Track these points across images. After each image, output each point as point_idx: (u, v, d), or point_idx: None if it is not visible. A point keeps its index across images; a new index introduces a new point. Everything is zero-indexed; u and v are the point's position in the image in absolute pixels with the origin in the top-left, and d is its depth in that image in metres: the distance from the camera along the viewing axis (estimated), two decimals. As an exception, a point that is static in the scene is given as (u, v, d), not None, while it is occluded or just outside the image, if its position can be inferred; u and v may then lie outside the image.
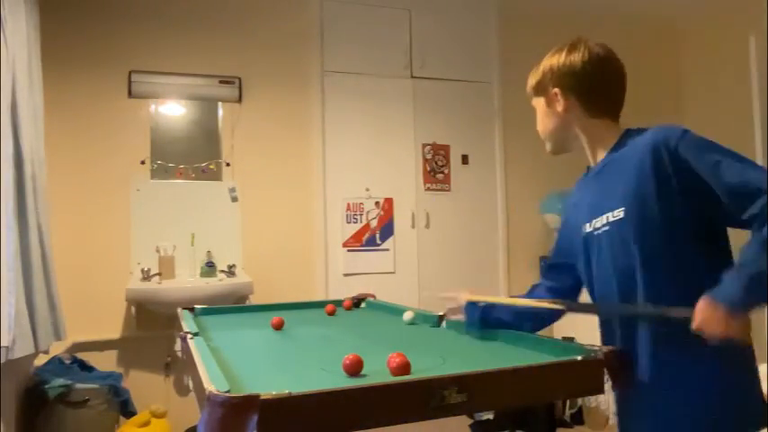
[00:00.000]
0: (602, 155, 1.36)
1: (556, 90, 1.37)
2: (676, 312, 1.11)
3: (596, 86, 1.34)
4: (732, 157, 1.16)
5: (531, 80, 1.45)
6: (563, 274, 1.48)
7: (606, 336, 1.35)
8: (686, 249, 1.20)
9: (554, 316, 1.46)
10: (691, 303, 1.11)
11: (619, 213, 1.26)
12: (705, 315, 1.08)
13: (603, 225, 1.30)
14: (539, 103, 1.43)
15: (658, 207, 1.19)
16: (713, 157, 1.16)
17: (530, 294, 1.53)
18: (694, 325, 1.08)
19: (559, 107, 1.37)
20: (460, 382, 1.03)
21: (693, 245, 1.20)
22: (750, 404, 1.19)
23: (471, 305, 1.57)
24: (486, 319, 1.53)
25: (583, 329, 3.21)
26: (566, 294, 1.46)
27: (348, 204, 3.69)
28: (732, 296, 1.07)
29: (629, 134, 1.33)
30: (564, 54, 1.36)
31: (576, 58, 1.34)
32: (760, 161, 3.80)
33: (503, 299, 1.51)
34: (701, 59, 4.38)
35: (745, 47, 3.91)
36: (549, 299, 1.40)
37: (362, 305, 2.45)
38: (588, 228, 1.34)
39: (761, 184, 1.11)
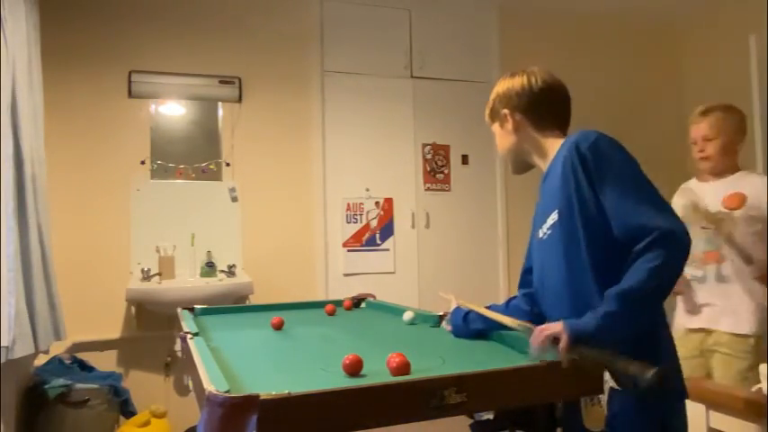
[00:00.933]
0: (546, 161, 1.49)
1: (505, 111, 1.51)
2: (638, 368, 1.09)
3: (539, 103, 1.48)
4: (630, 188, 1.27)
5: (486, 111, 1.60)
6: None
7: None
8: (603, 249, 1.28)
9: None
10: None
11: (554, 216, 1.38)
12: (549, 329, 1.21)
13: (548, 229, 1.41)
14: (495, 128, 1.58)
15: (578, 208, 1.31)
16: (613, 184, 1.28)
17: (507, 304, 1.60)
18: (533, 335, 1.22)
19: (510, 126, 1.51)
20: (460, 382, 1.03)
21: (610, 245, 1.27)
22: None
23: (457, 311, 1.64)
24: (466, 328, 1.59)
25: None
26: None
27: (348, 204, 3.69)
28: (581, 331, 1.18)
29: (565, 141, 1.43)
30: (507, 80, 1.53)
31: (518, 81, 1.50)
32: (760, 161, 3.81)
33: (487, 312, 1.55)
34: (701, 59, 4.38)
35: (745, 47, 3.91)
36: (525, 317, 1.46)
37: (362, 305, 2.45)
38: (540, 234, 1.45)
39: (650, 222, 1.21)
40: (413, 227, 3.81)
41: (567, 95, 1.52)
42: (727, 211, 2.26)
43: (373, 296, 2.58)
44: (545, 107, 1.49)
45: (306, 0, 3.68)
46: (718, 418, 1.67)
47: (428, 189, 3.86)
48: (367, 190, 3.73)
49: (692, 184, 2.49)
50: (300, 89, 3.65)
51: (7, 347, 2.16)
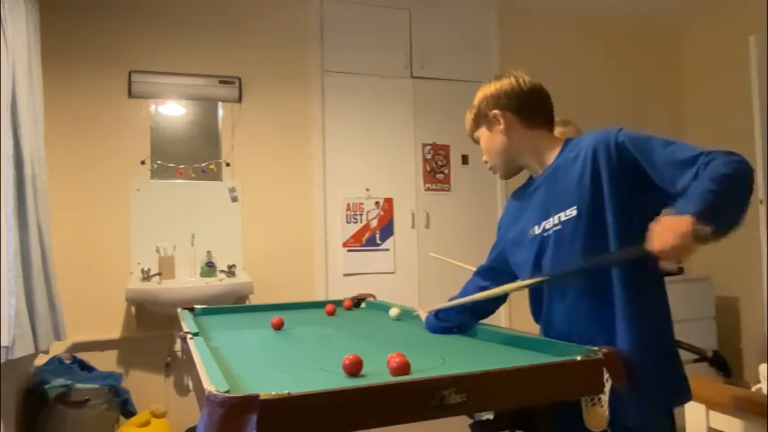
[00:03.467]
0: (547, 163, 1.48)
1: (495, 112, 1.49)
2: (633, 250, 1.17)
3: (528, 101, 1.48)
4: (665, 141, 1.29)
5: (469, 117, 1.58)
6: (498, 277, 1.62)
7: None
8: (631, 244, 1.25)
9: (495, 305, 1.65)
10: (636, 298, 1.29)
11: (571, 212, 1.36)
12: (665, 225, 1.12)
13: (555, 225, 1.40)
14: (481, 133, 1.56)
15: (611, 203, 1.30)
16: (649, 141, 1.30)
17: (464, 292, 1.69)
18: (652, 242, 1.13)
19: (501, 126, 1.50)
20: (460, 382, 1.03)
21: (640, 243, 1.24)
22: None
23: (428, 318, 1.75)
24: (439, 324, 1.69)
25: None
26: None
27: (348, 204, 3.69)
28: (689, 209, 1.12)
29: (570, 141, 1.47)
30: (493, 83, 1.53)
31: (505, 82, 1.50)
32: (760, 161, 3.81)
33: (457, 301, 1.62)
34: (701, 59, 4.38)
35: (745, 47, 3.90)
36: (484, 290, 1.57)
37: (362, 305, 2.45)
38: (537, 230, 1.45)
39: (692, 154, 1.23)
40: (413, 227, 3.81)
41: (548, 95, 1.53)
42: None
43: (373, 296, 2.58)
44: (534, 106, 1.49)
45: (306, 0, 3.68)
46: (718, 418, 1.67)
47: (428, 189, 3.86)
48: (367, 190, 3.73)
49: None
50: (300, 89, 3.65)
51: (7, 347, 2.16)
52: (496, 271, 1.65)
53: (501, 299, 1.62)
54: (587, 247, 1.33)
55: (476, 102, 1.56)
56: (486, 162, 1.60)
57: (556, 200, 1.41)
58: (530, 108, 1.49)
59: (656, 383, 1.30)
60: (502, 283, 1.53)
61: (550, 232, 1.41)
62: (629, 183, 1.30)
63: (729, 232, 1.16)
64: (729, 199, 1.16)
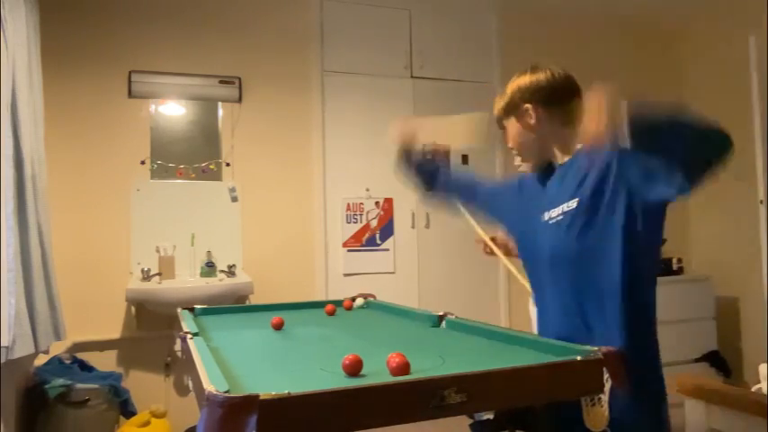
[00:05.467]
0: (566, 157, 1.50)
1: (527, 105, 1.49)
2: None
3: (562, 97, 1.47)
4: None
5: (500, 104, 1.56)
6: (472, 196, 1.84)
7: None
8: (617, 246, 1.32)
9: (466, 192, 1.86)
10: (629, 298, 1.31)
11: (572, 204, 1.40)
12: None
13: (558, 215, 1.43)
14: (510, 123, 1.55)
15: (605, 200, 1.33)
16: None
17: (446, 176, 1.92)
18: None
19: (532, 120, 1.49)
20: (460, 382, 1.03)
21: (625, 245, 1.31)
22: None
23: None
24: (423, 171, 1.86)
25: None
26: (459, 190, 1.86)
27: (348, 204, 3.69)
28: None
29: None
30: (528, 75, 1.51)
31: (541, 76, 1.49)
32: (760, 161, 3.81)
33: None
34: (701, 59, 4.38)
35: (745, 47, 3.90)
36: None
37: (363, 305, 2.45)
38: (545, 217, 1.48)
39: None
40: (413, 227, 3.81)
41: (581, 91, 1.50)
42: None
43: (373, 296, 2.58)
44: (567, 102, 1.47)
45: (306, 0, 3.68)
46: (717, 418, 1.67)
47: (428, 189, 3.85)
48: (367, 190, 3.73)
49: None
50: (300, 89, 3.65)
51: (7, 347, 2.16)
52: (476, 194, 1.82)
53: (470, 194, 1.84)
54: (579, 239, 1.37)
55: (508, 91, 1.53)
56: (511, 149, 1.60)
57: (565, 192, 1.43)
58: (564, 104, 1.47)
59: (642, 383, 1.31)
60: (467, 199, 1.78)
61: (553, 221, 1.44)
62: (626, 194, 1.32)
63: (646, 147, 1.17)
64: (672, 127, 1.15)
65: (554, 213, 1.44)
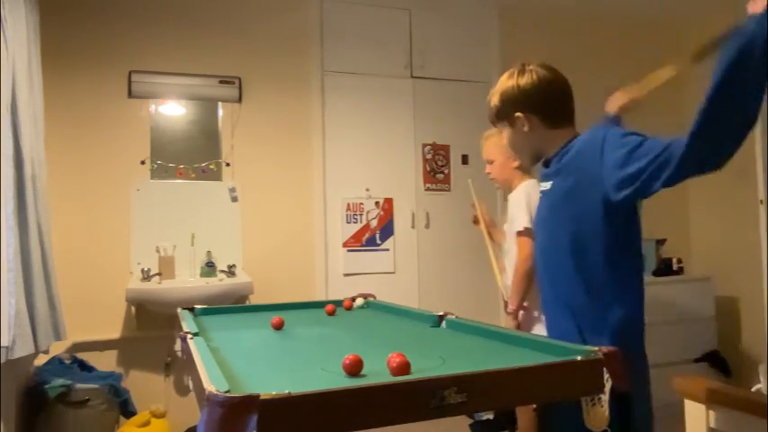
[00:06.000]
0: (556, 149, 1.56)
1: (518, 114, 1.54)
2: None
3: (550, 102, 1.53)
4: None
5: (491, 108, 1.62)
6: None
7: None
8: (598, 236, 1.41)
9: None
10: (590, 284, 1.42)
11: (547, 185, 1.55)
12: None
13: (545, 208, 1.57)
14: (503, 127, 1.61)
15: (587, 194, 1.41)
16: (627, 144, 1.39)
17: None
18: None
19: (525, 127, 1.55)
20: (460, 382, 1.03)
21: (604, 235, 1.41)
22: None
23: None
24: None
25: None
26: None
27: (348, 204, 3.69)
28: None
29: (576, 137, 1.54)
30: (512, 79, 1.55)
31: (527, 81, 1.52)
32: (760, 161, 3.81)
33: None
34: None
35: (745, 47, 3.90)
36: None
37: (363, 305, 2.45)
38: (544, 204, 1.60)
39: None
40: (413, 227, 3.81)
41: (569, 86, 1.57)
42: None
43: (373, 296, 2.58)
44: (557, 104, 1.53)
45: (306, 0, 3.68)
46: (717, 418, 1.67)
47: (428, 189, 3.86)
48: (367, 190, 3.73)
49: None
50: (300, 89, 3.65)
51: (7, 347, 2.16)
52: None
53: None
54: (555, 231, 1.50)
55: (497, 98, 1.59)
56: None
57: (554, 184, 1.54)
58: (553, 108, 1.53)
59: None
60: None
61: (542, 214, 1.58)
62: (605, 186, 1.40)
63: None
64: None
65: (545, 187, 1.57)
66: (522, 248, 2.36)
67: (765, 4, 1.10)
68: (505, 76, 1.58)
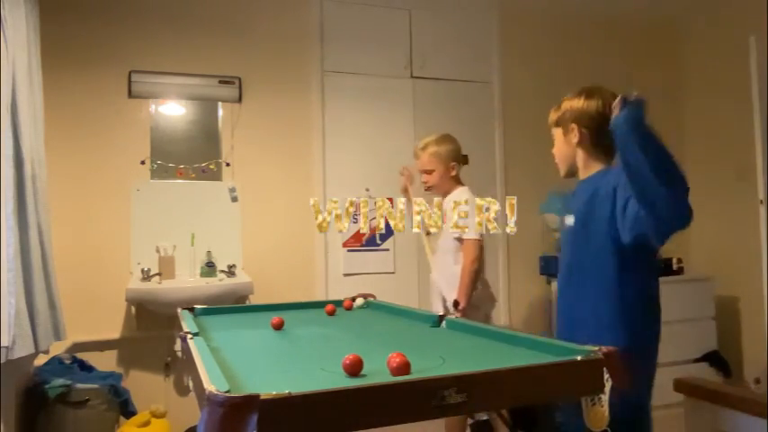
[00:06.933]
0: (586, 173, 1.78)
1: (573, 125, 1.76)
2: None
3: (604, 126, 1.61)
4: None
5: (553, 115, 1.85)
6: None
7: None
8: (613, 259, 1.60)
9: None
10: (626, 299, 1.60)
11: (571, 220, 1.74)
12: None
13: (567, 227, 1.77)
14: (557, 132, 1.83)
15: (605, 223, 1.58)
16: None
17: None
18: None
19: (574, 139, 1.76)
20: (460, 382, 1.03)
21: (618, 258, 1.59)
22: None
23: None
24: None
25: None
26: None
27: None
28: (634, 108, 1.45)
29: (606, 169, 1.74)
30: (584, 99, 1.75)
31: (593, 104, 1.73)
32: (760, 161, 3.81)
33: None
34: (701, 60, 4.38)
35: (745, 47, 3.90)
36: None
37: (363, 305, 2.45)
38: (569, 221, 1.78)
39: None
40: (413, 227, 3.80)
41: None
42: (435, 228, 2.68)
43: (373, 296, 2.58)
44: (606, 137, 1.61)
45: (306, 0, 3.68)
46: (718, 418, 1.67)
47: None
48: (367, 190, 3.73)
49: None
50: (300, 89, 3.65)
51: (7, 347, 2.16)
52: None
53: None
54: (576, 250, 1.72)
55: (562, 106, 1.81)
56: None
57: (577, 203, 1.75)
58: (603, 135, 1.65)
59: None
60: None
61: (566, 230, 1.78)
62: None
63: (625, 153, 1.40)
64: (655, 156, 1.36)
65: (569, 221, 1.77)
66: (470, 252, 2.61)
67: (620, 106, 1.44)
68: (576, 92, 1.79)
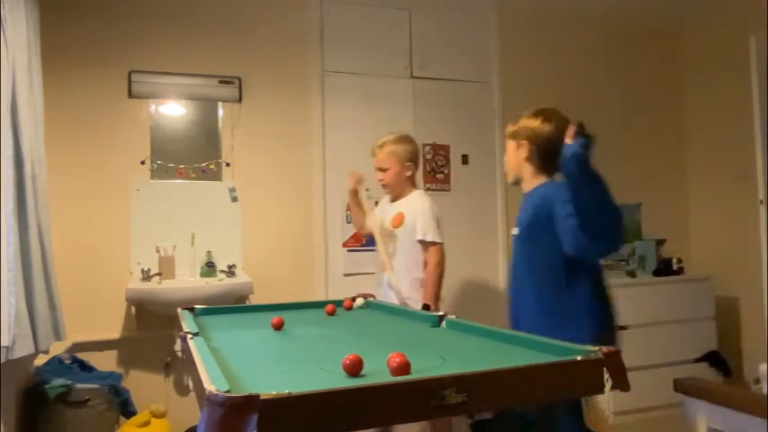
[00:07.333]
0: (530, 185, 2.03)
1: (525, 142, 2.00)
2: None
3: (552, 149, 1.87)
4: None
5: (510, 128, 2.08)
6: None
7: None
8: (555, 266, 1.85)
9: None
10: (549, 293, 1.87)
11: (516, 231, 2.00)
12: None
13: (514, 236, 2.03)
14: (511, 143, 2.07)
15: (544, 232, 1.83)
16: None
17: None
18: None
19: (524, 154, 2.01)
20: (460, 382, 1.03)
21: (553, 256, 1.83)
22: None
23: None
24: None
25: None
26: None
27: (348, 204, 3.68)
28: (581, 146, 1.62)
29: (549, 182, 1.98)
30: (539, 121, 1.98)
31: (546, 127, 1.97)
32: (760, 161, 3.81)
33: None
34: (701, 59, 4.39)
35: (745, 47, 3.91)
36: None
37: (363, 305, 2.45)
38: (514, 231, 2.03)
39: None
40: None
41: None
42: (392, 228, 2.80)
43: (373, 296, 2.58)
44: (551, 157, 1.87)
45: (306, 0, 3.68)
46: (718, 418, 1.67)
47: (428, 189, 3.85)
48: (367, 190, 3.71)
49: (385, 200, 3.00)
50: (300, 89, 3.65)
51: (7, 347, 2.16)
52: None
53: None
54: (527, 254, 1.95)
55: (520, 122, 2.04)
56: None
57: (521, 217, 2.01)
58: (550, 155, 1.90)
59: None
60: None
61: (515, 237, 2.02)
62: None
63: (574, 187, 1.62)
64: (596, 193, 1.61)
65: (515, 231, 2.02)
66: (434, 256, 2.68)
67: (573, 135, 1.60)
68: (534, 111, 2.01)
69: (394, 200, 2.88)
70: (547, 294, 1.85)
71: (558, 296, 1.83)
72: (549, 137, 1.93)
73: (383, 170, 2.84)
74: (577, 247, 1.68)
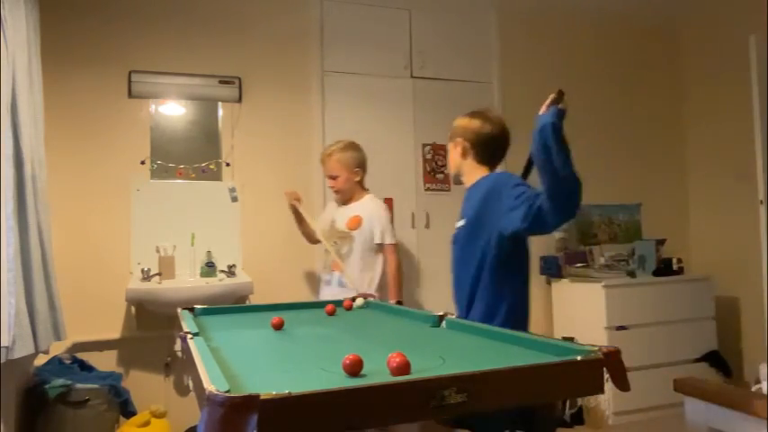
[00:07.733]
0: (470, 182, 2.10)
1: (459, 139, 2.10)
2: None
3: (483, 144, 2.06)
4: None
5: (452, 129, 2.16)
6: None
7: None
8: (495, 258, 1.92)
9: None
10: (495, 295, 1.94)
11: (463, 222, 2.03)
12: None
13: (458, 228, 2.06)
14: (450, 146, 2.15)
15: (487, 224, 1.90)
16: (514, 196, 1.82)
17: None
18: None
19: (459, 151, 2.11)
20: (460, 382, 1.03)
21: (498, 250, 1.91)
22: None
23: None
24: None
25: (582, 330, 3.22)
26: None
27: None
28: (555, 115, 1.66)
29: (490, 174, 2.06)
30: (468, 119, 2.10)
31: (476, 123, 2.07)
32: (760, 161, 3.82)
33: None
34: (701, 59, 4.39)
35: (745, 47, 3.91)
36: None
37: (362, 305, 2.45)
38: (459, 223, 2.07)
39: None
40: (413, 227, 3.81)
41: (507, 142, 2.08)
42: (348, 230, 2.99)
43: (373, 296, 2.58)
44: (487, 149, 2.05)
45: (306, 0, 3.68)
46: (718, 418, 1.67)
47: (428, 189, 3.86)
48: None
49: (332, 204, 3.21)
50: (300, 89, 3.65)
51: (7, 347, 2.16)
52: None
53: None
54: (463, 249, 2.01)
55: (455, 124, 2.13)
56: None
57: (464, 210, 2.06)
58: (482, 149, 2.05)
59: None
60: None
61: (457, 231, 2.07)
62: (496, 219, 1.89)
63: (540, 152, 1.64)
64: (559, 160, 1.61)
65: (458, 224, 2.07)
66: (394, 256, 2.97)
67: (547, 106, 1.68)
68: (467, 113, 2.10)
69: (346, 203, 3.07)
70: (482, 280, 1.94)
71: (489, 286, 1.93)
72: (482, 131, 2.03)
73: (333, 177, 3.04)
74: (536, 216, 1.69)
